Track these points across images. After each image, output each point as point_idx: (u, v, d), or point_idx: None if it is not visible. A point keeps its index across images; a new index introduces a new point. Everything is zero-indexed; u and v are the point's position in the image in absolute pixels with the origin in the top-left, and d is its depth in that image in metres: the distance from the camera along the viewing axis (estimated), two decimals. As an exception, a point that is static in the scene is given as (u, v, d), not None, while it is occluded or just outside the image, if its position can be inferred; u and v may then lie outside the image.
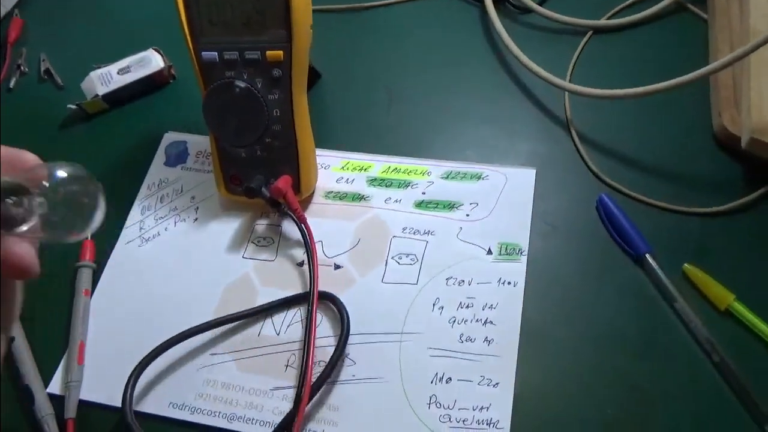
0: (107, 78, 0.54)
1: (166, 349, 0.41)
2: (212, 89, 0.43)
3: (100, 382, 0.42)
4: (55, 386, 0.42)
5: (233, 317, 0.42)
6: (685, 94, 0.47)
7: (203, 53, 0.42)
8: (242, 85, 0.42)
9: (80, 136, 0.55)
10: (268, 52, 0.41)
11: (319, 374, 0.39)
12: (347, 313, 0.41)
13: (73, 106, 0.54)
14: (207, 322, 0.42)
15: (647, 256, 0.42)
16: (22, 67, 0.60)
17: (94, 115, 0.56)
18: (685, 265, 0.41)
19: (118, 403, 0.39)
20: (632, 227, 0.43)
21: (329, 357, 0.40)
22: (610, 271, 0.42)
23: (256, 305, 0.43)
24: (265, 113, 0.43)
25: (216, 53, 0.42)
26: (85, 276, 0.46)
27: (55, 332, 0.44)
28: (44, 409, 0.41)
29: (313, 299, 0.41)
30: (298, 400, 0.38)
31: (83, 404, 0.41)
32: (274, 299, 0.43)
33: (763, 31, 0.45)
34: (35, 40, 0.62)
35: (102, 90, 0.54)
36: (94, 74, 0.54)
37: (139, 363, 0.40)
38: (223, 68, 0.42)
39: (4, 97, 0.58)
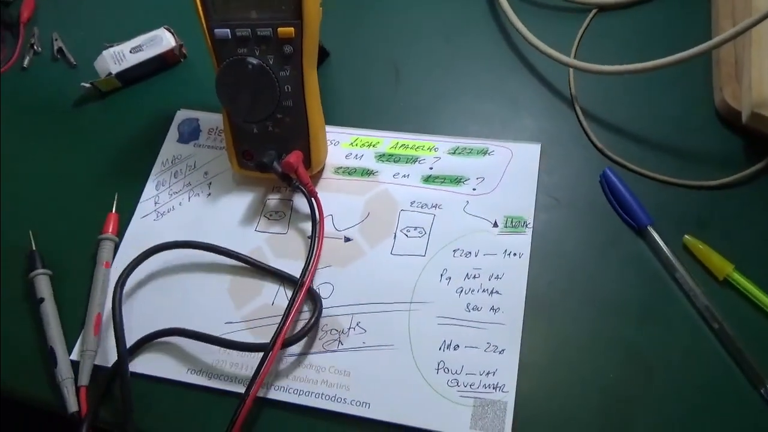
0: (120, 56, 0.55)
1: (160, 251, 0.46)
2: (225, 66, 0.44)
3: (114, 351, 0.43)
4: (75, 353, 0.44)
5: (239, 257, 0.45)
6: (687, 70, 0.48)
7: (216, 30, 0.43)
8: (254, 61, 0.43)
9: (94, 114, 0.56)
10: (280, 29, 0.42)
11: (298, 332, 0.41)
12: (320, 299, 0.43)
13: (87, 85, 0.55)
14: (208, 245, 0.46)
15: (649, 228, 0.43)
16: (35, 47, 0.61)
17: (107, 94, 0.57)
18: (686, 236, 0.43)
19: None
20: (635, 200, 0.44)
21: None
22: (613, 243, 0.44)
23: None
24: (276, 89, 0.44)
25: (228, 30, 0.43)
26: (106, 248, 0.47)
27: (84, 300, 0.46)
28: (64, 373, 0.43)
29: (310, 266, 0.43)
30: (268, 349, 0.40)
31: (100, 370, 0.43)
32: (287, 271, 0.45)
33: (764, 7, 0.46)
34: (47, 19, 0.63)
35: (115, 68, 0.55)
36: (107, 53, 0.55)
37: (128, 265, 0.45)
38: (236, 45, 0.43)
39: (18, 75, 0.59)
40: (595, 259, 0.43)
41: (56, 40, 0.60)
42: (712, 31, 0.52)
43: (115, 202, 0.50)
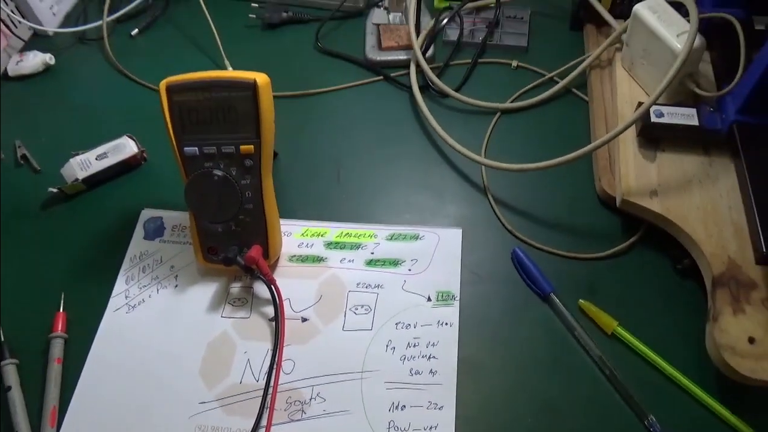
0: (86, 163, 0.61)
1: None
2: (193, 178, 0.51)
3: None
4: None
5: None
6: (574, 165, 0.59)
7: (185, 148, 0.51)
8: (220, 173, 0.51)
9: (61, 217, 0.61)
10: (242, 146, 0.50)
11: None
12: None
13: (54, 190, 0.60)
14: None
15: (552, 295, 0.53)
16: (-1, 153, 0.65)
17: (73, 196, 0.62)
18: (580, 300, 0.53)
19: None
20: (539, 272, 0.54)
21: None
22: (525, 308, 0.53)
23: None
24: (239, 196, 0.51)
25: (197, 148, 0.51)
26: (57, 346, 0.52)
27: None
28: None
29: (278, 347, 0.50)
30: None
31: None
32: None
33: (627, 114, 0.59)
34: (9, 128, 0.67)
35: (81, 174, 0.60)
36: (74, 160, 0.61)
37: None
38: (203, 160, 0.51)
39: (-17, 181, 0.64)
40: (511, 323, 0.53)
41: (20, 147, 0.65)
42: (591, 129, 0.64)
43: (62, 302, 0.54)
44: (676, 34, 0.55)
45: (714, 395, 0.47)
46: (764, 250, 0.46)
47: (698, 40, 0.54)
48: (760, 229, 0.47)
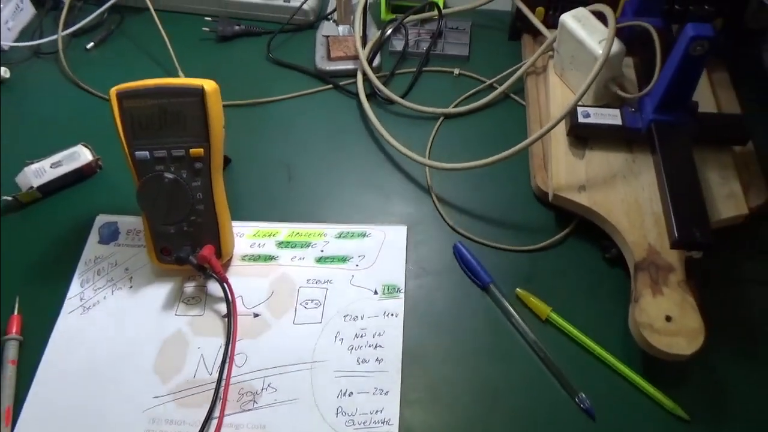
0: (41, 172, 0.62)
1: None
2: (145, 181, 0.53)
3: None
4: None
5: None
6: (511, 163, 0.63)
7: (136, 153, 0.53)
8: (170, 176, 0.53)
9: (17, 223, 0.62)
10: (191, 150, 0.53)
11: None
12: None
13: (9, 198, 0.62)
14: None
15: (491, 285, 0.56)
16: (-48, 164, 0.66)
17: (28, 204, 0.63)
18: (517, 289, 0.56)
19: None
20: (479, 265, 0.57)
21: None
22: (466, 298, 0.56)
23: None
24: (190, 197, 0.54)
25: (147, 152, 0.53)
26: (12, 348, 0.53)
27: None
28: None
29: (231, 342, 0.52)
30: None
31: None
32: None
33: (557, 116, 0.63)
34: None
35: (36, 182, 0.62)
36: (29, 169, 0.62)
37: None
38: (154, 163, 0.53)
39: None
40: (454, 312, 0.56)
41: (-27, 157, 0.66)
42: (528, 131, 0.68)
43: (16, 305, 0.55)
44: (598, 40, 0.60)
45: (638, 371, 0.51)
46: (677, 235, 0.51)
47: (617, 46, 0.59)
48: (673, 217, 0.52)
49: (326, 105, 0.72)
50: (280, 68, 0.76)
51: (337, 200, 0.63)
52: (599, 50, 0.59)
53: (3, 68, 0.73)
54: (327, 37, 0.76)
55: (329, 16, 0.79)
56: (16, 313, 0.55)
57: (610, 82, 0.62)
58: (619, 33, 0.60)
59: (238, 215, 0.60)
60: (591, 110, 0.61)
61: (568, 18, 0.63)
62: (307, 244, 0.60)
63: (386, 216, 0.62)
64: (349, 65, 0.74)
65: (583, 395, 0.50)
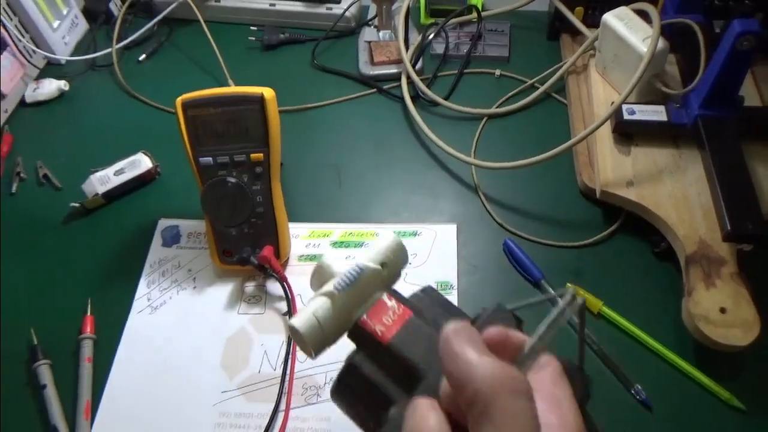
0: (106, 179, 0.65)
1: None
2: (208, 185, 0.56)
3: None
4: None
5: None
6: (557, 161, 0.64)
7: (201, 159, 0.55)
8: (233, 180, 0.55)
9: (83, 229, 0.65)
10: (252, 155, 0.55)
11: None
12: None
13: (76, 204, 0.65)
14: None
15: (542, 281, 0.58)
16: (21, 174, 0.70)
17: (93, 210, 0.66)
18: (568, 284, 0.58)
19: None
20: (529, 261, 0.59)
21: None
22: (517, 294, 0.58)
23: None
24: (250, 200, 0.56)
25: (211, 158, 0.55)
26: (87, 346, 0.56)
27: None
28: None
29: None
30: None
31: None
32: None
33: (603, 114, 0.64)
34: (30, 151, 0.72)
35: (101, 189, 0.65)
36: (94, 177, 0.65)
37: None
38: (217, 169, 0.56)
39: (7, 200, 0.68)
40: (506, 308, 0.57)
41: (41, 167, 0.70)
42: (570, 129, 0.69)
43: (89, 306, 0.58)
44: (642, 39, 0.61)
45: (692, 362, 0.52)
46: (729, 228, 0.51)
47: (662, 43, 0.60)
48: (724, 210, 0.53)
49: (371, 108, 0.74)
50: (324, 74, 0.78)
51: (387, 201, 0.65)
52: (644, 48, 0.60)
53: (63, 81, 0.77)
54: (369, 42, 0.78)
55: (370, 22, 0.81)
56: (89, 313, 0.58)
57: (653, 79, 0.63)
58: (661, 30, 0.61)
59: (293, 217, 0.62)
60: (636, 107, 0.62)
61: (610, 17, 0.64)
62: (361, 244, 0.62)
63: (436, 215, 0.64)
64: (392, 69, 0.76)
65: (639, 387, 0.51)
